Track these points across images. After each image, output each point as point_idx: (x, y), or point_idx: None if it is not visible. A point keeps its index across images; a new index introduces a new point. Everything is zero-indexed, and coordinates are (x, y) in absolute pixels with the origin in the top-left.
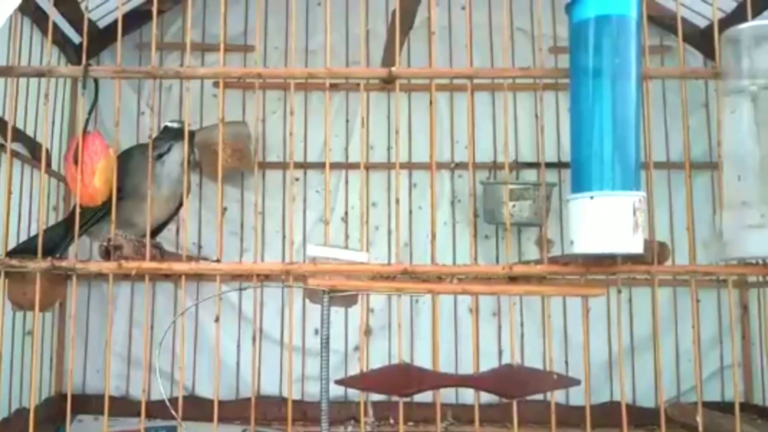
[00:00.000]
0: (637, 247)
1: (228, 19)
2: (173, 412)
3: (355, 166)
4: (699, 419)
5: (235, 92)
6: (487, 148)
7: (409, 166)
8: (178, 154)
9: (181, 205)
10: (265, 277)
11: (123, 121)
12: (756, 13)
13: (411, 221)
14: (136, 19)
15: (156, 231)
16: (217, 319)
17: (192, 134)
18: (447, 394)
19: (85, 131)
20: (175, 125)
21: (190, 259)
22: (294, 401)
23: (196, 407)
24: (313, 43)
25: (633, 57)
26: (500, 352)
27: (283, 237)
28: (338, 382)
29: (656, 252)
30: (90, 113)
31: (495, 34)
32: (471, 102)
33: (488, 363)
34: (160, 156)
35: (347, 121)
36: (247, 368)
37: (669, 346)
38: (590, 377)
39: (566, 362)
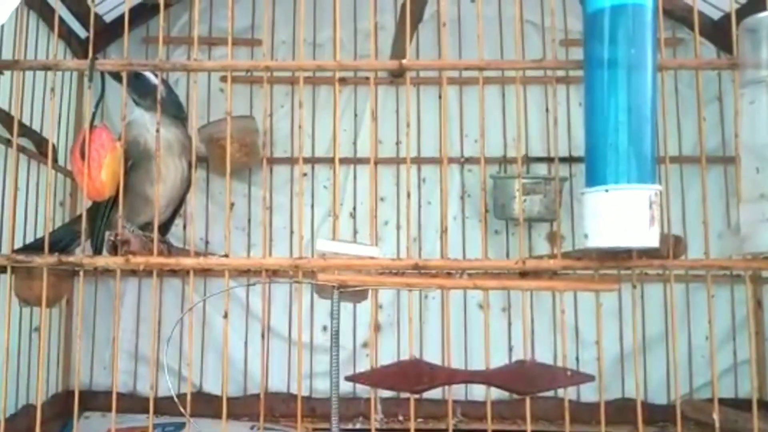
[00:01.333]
0: (653, 241)
1: (235, 12)
2: (181, 409)
3: (363, 161)
4: (716, 416)
5: (243, 87)
6: (497, 143)
7: (418, 160)
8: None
9: (190, 178)
10: (274, 273)
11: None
12: None
13: (420, 216)
14: (142, 13)
15: (166, 225)
16: (225, 315)
17: (134, 76)
18: (456, 391)
19: (91, 125)
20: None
21: (197, 254)
22: (302, 398)
23: (204, 404)
24: (321, 37)
25: (649, 47)
26: (510, 348)
27: (291, 233)
28: (349, 378)
29: (672, 246)
30: (96, 107)
31: (505, 28)
32: (481, 94)
33: (498, 359)
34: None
35: (355, 115)
36: (254, 364)
37: (682, 342)
38: (602, 374)
39: (577, 358)
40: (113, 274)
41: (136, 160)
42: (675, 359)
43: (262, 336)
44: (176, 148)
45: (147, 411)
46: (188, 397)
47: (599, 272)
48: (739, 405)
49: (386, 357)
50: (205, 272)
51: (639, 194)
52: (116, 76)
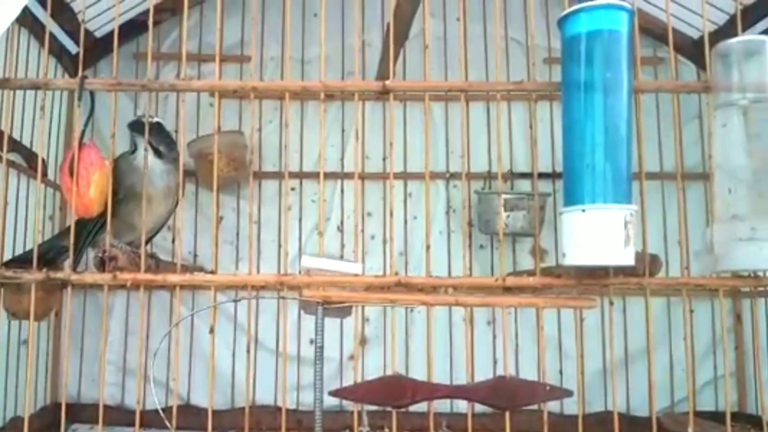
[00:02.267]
0: (628, 260)
1: (224, 29)
2: (167, 422)
3: (350, 175)
4: (691, 430)
5: (232, 101)
6: (481, 158)
7: (405, 176)
8: (143, 147)
9: (177, 201)
10: (261, 287)
11: (119, 131)
12: (746, 27)
13: (406, 231)
14: (133, 29)
15: (149, 239)
16: (211, 330)
17: (156, 125)
18: (441, 403)
19: (80, 143)
20: (135, 119)
21: (185, 268)
22: (289, 410)
23: (191, 416)
24: (310, 53)
25: (624, 71)
26: (495, 362)
27: (279, 246)
28: (332, 394)
29: (648, 264)
30: (86, 125)
31: (490, 45)
32: (465, 115)
33: (483, 372)
34: (133, 153)
35: (343, 130)
36: (242, 377)
37: (663, 356)
38: (584, 387)
39: (561, 372)
40: (102, 288)
41: (128, 196)
42: (652, 374)
43: (248, 350)
44: (172, 191)
45: (134, 424)
46: (175, 410)
47: (582, 289)
48: (720, 418)
49: (373, 369)
50: (193, 286)
51: (615, 214)
52: (137, 125)
